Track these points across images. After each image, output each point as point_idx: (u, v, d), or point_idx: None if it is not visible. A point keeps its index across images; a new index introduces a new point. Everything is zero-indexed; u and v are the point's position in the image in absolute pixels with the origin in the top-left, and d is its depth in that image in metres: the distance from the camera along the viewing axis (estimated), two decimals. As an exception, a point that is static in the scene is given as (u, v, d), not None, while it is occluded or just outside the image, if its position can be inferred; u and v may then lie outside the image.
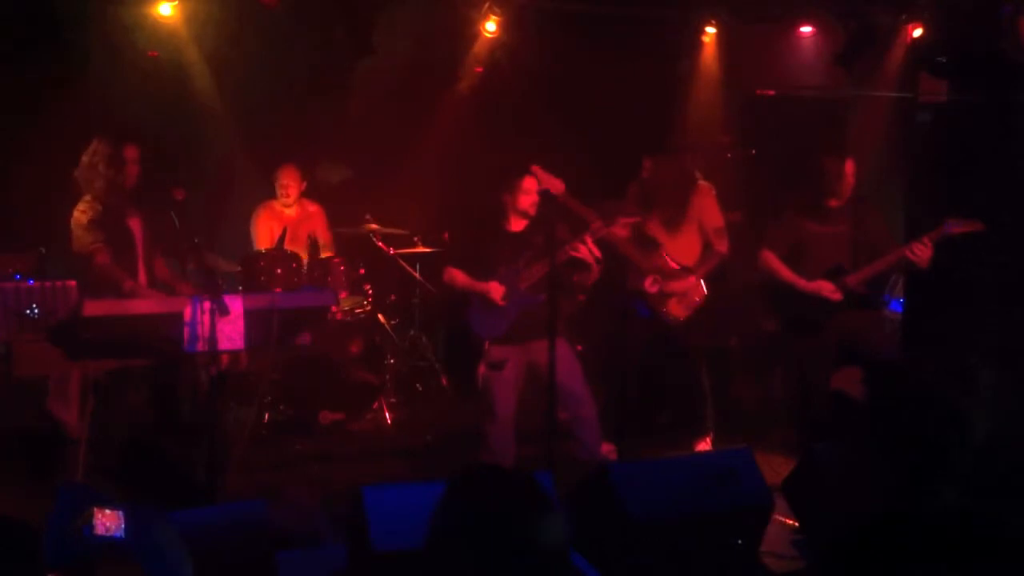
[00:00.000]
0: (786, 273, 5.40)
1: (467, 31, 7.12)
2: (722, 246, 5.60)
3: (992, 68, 5.74)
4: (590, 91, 7.11)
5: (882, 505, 2.13)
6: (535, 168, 5.13)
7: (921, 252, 5.05)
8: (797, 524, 4.20)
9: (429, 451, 5.76)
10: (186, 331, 4.02)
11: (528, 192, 5.10)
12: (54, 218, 5.18)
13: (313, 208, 6.49)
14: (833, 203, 5.36)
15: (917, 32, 6.98)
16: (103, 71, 6.10)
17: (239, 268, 5.76)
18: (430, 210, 7.22)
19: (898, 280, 6.63)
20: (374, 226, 6.57)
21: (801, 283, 5.35)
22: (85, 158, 4.94)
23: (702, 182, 5.82)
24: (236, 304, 4.10)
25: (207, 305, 4.00)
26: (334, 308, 5.85)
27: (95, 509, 2.24)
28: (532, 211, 5.13)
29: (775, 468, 4.69)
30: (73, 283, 4.48)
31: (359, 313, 6.26)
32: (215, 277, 4.35)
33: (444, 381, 6.90)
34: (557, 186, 5.09)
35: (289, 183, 6.30)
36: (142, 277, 5.08)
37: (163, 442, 4.86)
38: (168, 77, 6.43)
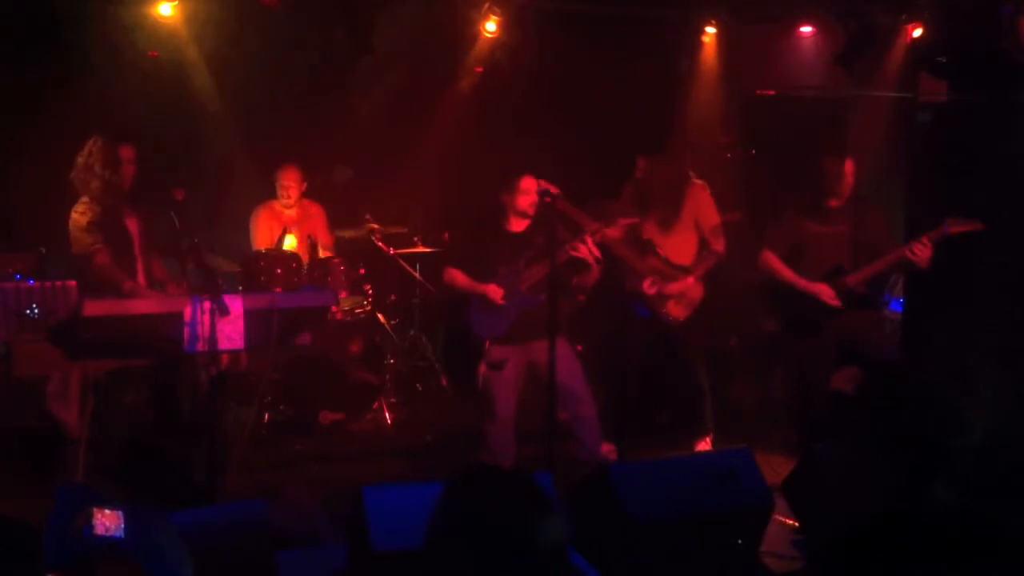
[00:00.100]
0: (786, 273, 5.40)
1: (467, 31, 7.12)
2: (718, 245, 5.59)
3: (992, 68, 5.74)
4: (590, 91, 7.10)
5: (882, 505, 2.13)
6: (529, 178, 5.11)
7: (921, 252, 5.04)
8: (797, 524, 4.21)
9: (429, 451, 5.76)
10: (186, 331, 4.03)
11: (527, 192, 5.08)
12: (54, 218, 5.16)
13: (314, 208, 6.47)
14: (833, 203, 5.35)
15: (917, 32, 6.97)
16: (103, 71, 6.09)
17: (239, 268, 5.76)
18: (430, 210, 7.22)
19: (898, 280, 6.63)
20: (374, 226, 6.57)
21: (801, 283, 5.35)
22: (80, 159, 4.91)
23: (696, 180, 5.81)
24: (236, 304, 4.10)
25: (207, 305, 4.01)
26: (334, 308, 5.84)
27: (95, 509, 2.24)
28: (531, 211, 5.11)
29: (775, 468, 4.70)
30: (73, 283, 4.45)
31: (359, 313, 6.26)
32: (215, 277, 4.34)
33: (444, 381, 6.89)
34: (552, 193, 5.08)
35: (290, 184, 6.27)
36: (141, 277, 5.07)
37: (163, 442, 4.86)
38: (168, 77, 6.42)
